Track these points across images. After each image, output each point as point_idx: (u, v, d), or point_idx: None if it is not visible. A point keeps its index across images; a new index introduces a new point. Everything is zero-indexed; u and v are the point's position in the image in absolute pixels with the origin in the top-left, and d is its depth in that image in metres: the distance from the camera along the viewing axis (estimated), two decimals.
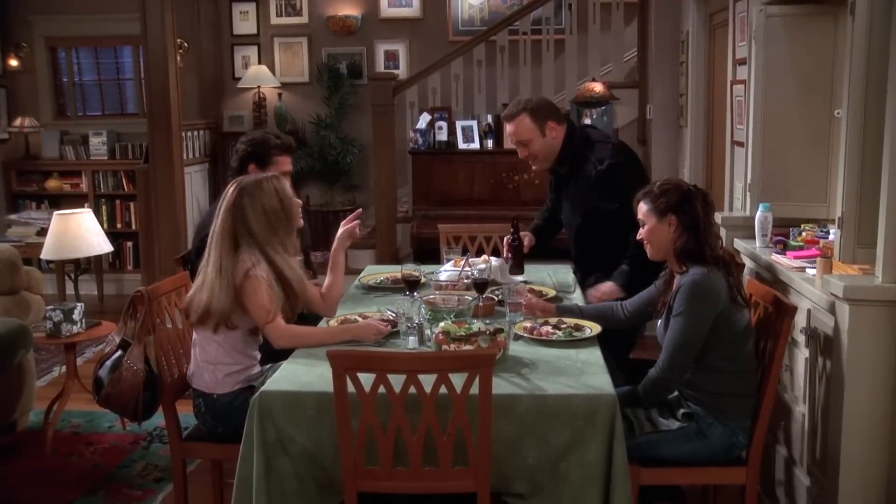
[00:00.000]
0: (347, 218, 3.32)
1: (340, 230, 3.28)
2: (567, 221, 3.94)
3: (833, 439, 2.89)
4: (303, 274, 3.12)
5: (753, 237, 3.91)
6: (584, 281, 3.83)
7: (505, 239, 3.91)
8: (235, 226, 2.97)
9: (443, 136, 6.41)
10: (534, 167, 3.85)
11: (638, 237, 2.97)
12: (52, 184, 7.75)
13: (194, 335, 3.09)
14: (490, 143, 6.39)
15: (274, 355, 3.06)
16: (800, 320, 3.08)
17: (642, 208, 2.91)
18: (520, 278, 3.74)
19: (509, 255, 3.82)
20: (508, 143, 6.28)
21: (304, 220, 3.27)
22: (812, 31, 3.90)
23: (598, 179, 3.64)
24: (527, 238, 3.94)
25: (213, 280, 2.94)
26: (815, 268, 3.18)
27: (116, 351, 3.17)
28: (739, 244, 4.06)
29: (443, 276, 3.63)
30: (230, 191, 3.03)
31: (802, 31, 3.91)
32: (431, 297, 3.23)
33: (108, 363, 3.15)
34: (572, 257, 4.02)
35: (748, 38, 4.34)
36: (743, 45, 4.56)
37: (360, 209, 3.55)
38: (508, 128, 3.75)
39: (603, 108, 6.07)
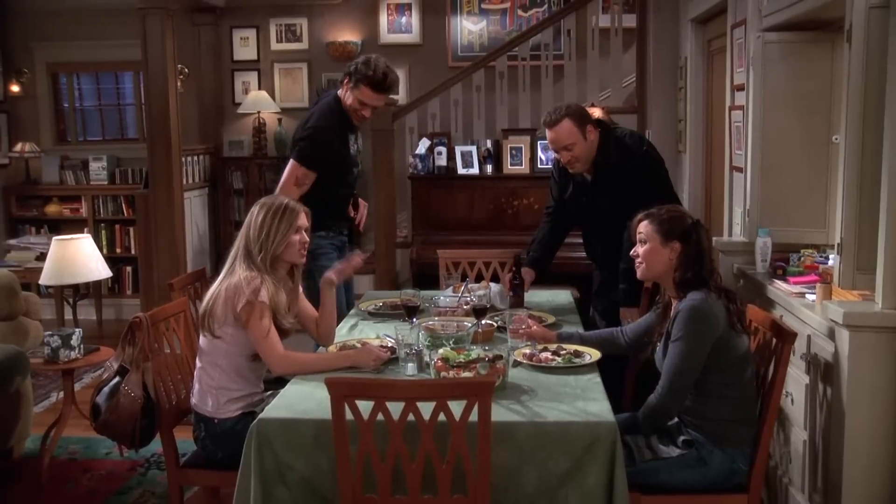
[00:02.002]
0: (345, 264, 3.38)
1: (328, 274, 3.29)
2: (600, 220, 3.89)
3: (834, 465, 2.87)
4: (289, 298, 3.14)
5: (753, 262, 3.91)
6: (610, 284, 3.84)
7: (507, 277, 3.92)
8: (245, 236, 3.05)
9: (442, 161, 6.43)
10: (572, 170, 3.84)
11: (632, 253, 2.97)
12: (52, 209, 7.75)
13: (198, 361, 3.09)
14: (489, 169, 6.40)
15: (276, 380, 3.07)
16: (800, 346, 3.07)
17: (646, 227, 2.89)
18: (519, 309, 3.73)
19: (510, 292, 3.82)
20: (508, 169, 6.34)
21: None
22: (809, 57, 3.92)
23: (647, 159, 3.79)
24: (528, 275, 3.94)
25: (218, 286, 3.02)
26: (814, 293, 3.18)
27: (114, 377, 3.16)
28: (739, 270, 4.06)
29: (442, 302, 3.62)
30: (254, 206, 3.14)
31: (800, 58, 3.94)
32: (430, 323, 3.22)
33: (106, 389, 3.14)
34: (601, 261, 3.98)
35: (746, 64, 4.37)
36: (741, 71, 4.58)
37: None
38: (550, 134, 3.75)
39: None
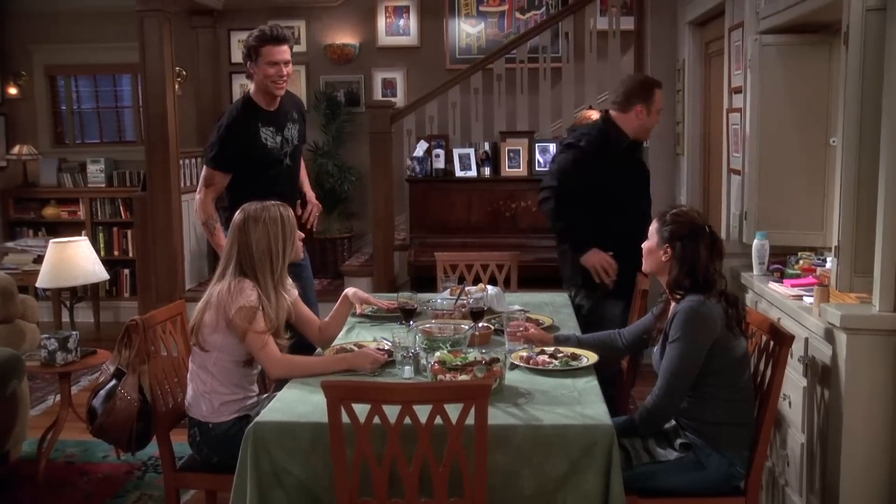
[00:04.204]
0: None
1: (355, 290, 3.42)
2: (631, 206, 4.02)
3: (832, 468, 2.87)
4: (290, 306, 3.16)
5: (751, 265, 3.90)
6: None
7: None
8: (238, 250, 3.02)
9: (440, 163, 6.42)
10: (647, 138, 4.42)
11: (643, 245, 3.00)
12: (50, 211, 7.75)
13: (190, 365, 3.09)
14: (487, 171, 6.39)
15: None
16: (797, 349, 3.07)
17: (654, 224, 2.94)
18: (516, 307, 3.71)
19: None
20: (505, 171, 6.33)
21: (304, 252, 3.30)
22: (807, 60, 3.92)
23: None
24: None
25: (209, 298, 3.01)
26: (812, 296, 3.17)
27: (111, 380, 3.16)
28: (737, 273, 4.06)
29: (439, 305, 3.61)
30: (237, 214, 3.09)
31: (797, 60, 3.94)
32: (428, 325, 3.22)
33: (102, 393, 3.14)
34: (629, 251, 3.71)
35: (744, 67, 4.37)
36: (739, 74, 4.58)
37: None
38: (662, 95, 4.12)
39: None
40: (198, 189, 4.16)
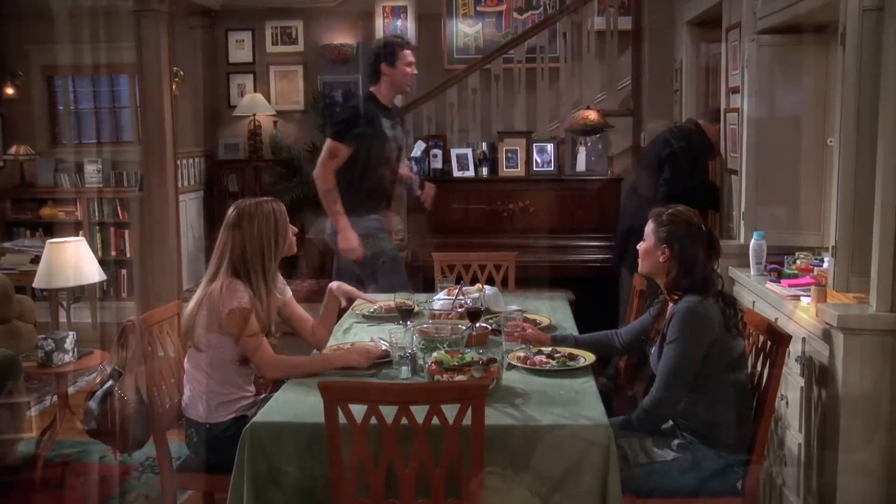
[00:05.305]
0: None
1: (339, 284, 3.36)
2: None
3: (829, 468, 2.87)
4: (281, 301, 3.16)
5: (748, 265, 3.90)
6: None
7: None
8: (231, 248, 3.00)
9: (438, 163, 6.41)
10: None
11: (638, 246, 2.99)
12: (47, 212, 7.72)
13: (186, 366, 3.08)
14: (485, 171, 6.38)
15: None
16: (794, 349, 3.07)
17: (649, 225, 2.93)
18: (514, 307, 3.71)
19: None
20: (503, 171, 6.33)
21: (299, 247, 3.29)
22: (804, 60, 3.93)
23: None
24: None
25: (201, 297, 2.99)
26: (809, 296, 3.18)
27: (107, 381, 3.15)
28: (734, 273, 4.06)
29: (436, 305, 3.61)
30: (230, 212, 3.07)
31: (794, 61, 3.94)
32: (425, 326, 3.22)
33: (99, 393, 3.13)
34: None
35: (741, 67, 4.37)
36: (736, 74, 4.58)
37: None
38: None
39: (597, 135, 6.09)
40: (319, 161, 4.50)
